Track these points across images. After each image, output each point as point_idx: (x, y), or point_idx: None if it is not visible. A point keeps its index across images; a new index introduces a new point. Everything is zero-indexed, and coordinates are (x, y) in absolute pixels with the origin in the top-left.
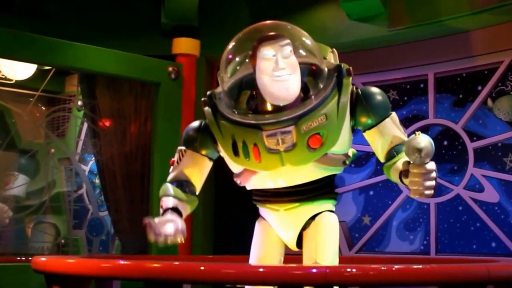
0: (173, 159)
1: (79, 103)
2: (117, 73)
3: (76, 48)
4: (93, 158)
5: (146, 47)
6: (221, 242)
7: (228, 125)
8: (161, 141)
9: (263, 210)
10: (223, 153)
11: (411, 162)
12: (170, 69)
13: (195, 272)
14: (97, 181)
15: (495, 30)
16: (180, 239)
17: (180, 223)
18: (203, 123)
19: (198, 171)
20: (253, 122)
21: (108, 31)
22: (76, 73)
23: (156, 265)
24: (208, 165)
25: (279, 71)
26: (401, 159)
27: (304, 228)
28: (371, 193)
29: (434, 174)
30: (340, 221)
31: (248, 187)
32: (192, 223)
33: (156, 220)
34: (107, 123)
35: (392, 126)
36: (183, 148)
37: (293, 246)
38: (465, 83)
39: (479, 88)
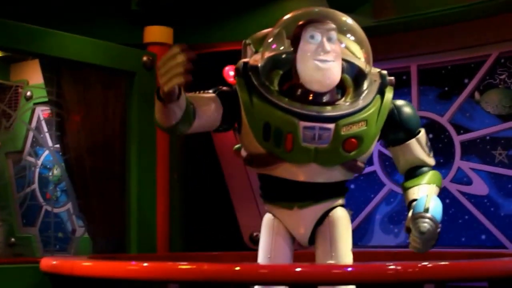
0: None
1: (28, 93)
2: (90, 61)
3: (46, 34)
4: (46, 152)
5: (114, 35)
6: (192, 237)
7: (264, 105)
8: (136, 134)
9: (275, 208)
10: (245, 131)
11: None
12: (145, 58)
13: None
14: (50, 176)
15: (482, 23)
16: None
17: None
18: (233, 93)
19: (209, 109)
20: (293, 109)
21: (73, 17)
22: (24, 60)
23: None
24: (218, 117)
25: (324, 55)
26: (417, 188)
27: (317, 224)
28: (352, 186)
29: (434, 239)
30: None
31: (260, 172)
32: (170, 219)
33: None
34: (75, 115)
35: (417, 148)
36: (210, 91)
37: (305, 243)
38: (451, 75)
39: (466, 81)
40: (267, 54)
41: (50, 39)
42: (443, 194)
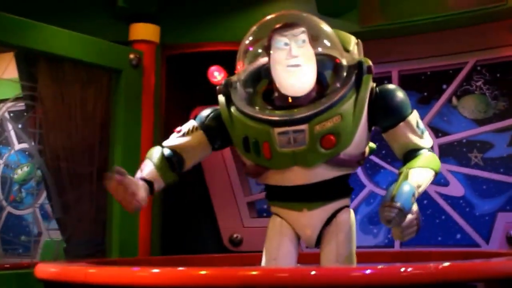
0: (179, 128)
1: None
2: (73, 57)
3: (26, 25)
4: (11, 151)
5: (98, 31)
6: (169, 239)
7: (241, 118)
8: (122, 133)
9: (282, 210)
10: (234, 145)
11: None
12: (132, 56)
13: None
14: (15, 176)
15: (460, 32)
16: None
17: (140, 196)
18: (217, 112)
19: (197, 154)
20: (265, 118)
21: (55, 9)
22: None
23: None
24: (208, 153)
25: (292, 59)
26: (403, 175)
27: (324, 225)
28: None
29: (413, 227)
30: None
31: (259, 181)
32: (152, 222)
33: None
34: (54, 112)
35: (407, 131)
36: (196, 124)
37: (312, 245)
38: (430, 81)
39: (444, 86)
40: (249, 67)
41: (29, 30)
42: (422, 195)
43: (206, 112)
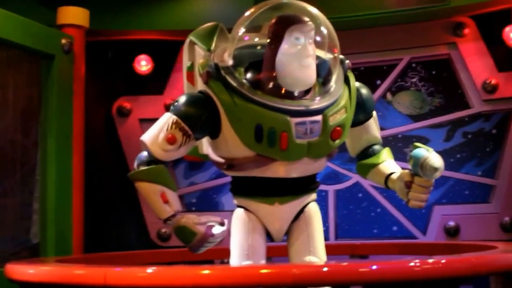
0: (170, 134)
1: None
2: (5, 38)
3: None
4: None
5: (21, 13)
6: (92, 235)
7: (250, 106)
8: (54, 123)
9: (252, 203)
10: (228, 136)
11: (422, 176)
12: (64, 41)
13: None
14: None
15: (396, 29)
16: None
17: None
18: (206, 99)
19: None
20: (284, 107)
21: None
22: None
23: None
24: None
25: (307, 59)
26: (386, 163)
27: (293, 219)
28: None
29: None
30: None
31: (244, 175)
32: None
33: (216, 231)
34: None
35: (374, 126)
36: (187, 127)
37: (280, 238)
38: (363, 76)
39: (378, 82)
40: (235, 51)
41: None
42: (356, 188)
43: (194, 104)
